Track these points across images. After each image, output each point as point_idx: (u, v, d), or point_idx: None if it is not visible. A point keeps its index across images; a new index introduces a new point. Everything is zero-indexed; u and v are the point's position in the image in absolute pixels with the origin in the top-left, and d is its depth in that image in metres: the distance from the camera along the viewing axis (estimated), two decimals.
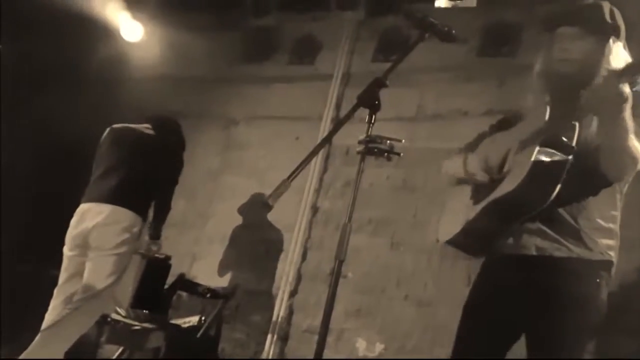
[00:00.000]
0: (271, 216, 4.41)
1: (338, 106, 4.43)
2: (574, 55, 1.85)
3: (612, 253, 1.84)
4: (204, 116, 4.88)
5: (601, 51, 1.84)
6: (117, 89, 4.85)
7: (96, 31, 4.57)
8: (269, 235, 4.41)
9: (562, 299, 1.77)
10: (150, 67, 4.73)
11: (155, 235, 3.62)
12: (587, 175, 1.76)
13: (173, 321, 3.69)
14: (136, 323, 3.47)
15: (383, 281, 3.92)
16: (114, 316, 3.55)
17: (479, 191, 1.91)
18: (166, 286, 3.81)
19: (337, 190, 4.28)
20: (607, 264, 1.83)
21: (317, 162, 4.34)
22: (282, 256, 4.30)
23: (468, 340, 1.94)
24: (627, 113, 1.63)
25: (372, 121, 1.82)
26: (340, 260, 1.81)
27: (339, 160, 4.31)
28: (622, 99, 1.58)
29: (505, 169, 1.83)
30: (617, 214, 1.87)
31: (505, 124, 2.05)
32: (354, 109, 1.77)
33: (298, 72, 4.68)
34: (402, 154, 1.89)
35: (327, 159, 4.38)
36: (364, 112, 1.85)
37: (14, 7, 4.10)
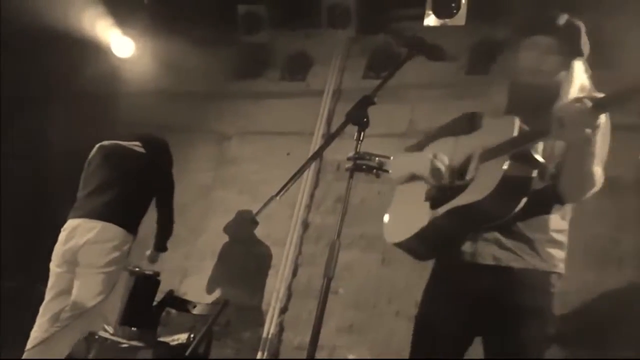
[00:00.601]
0: (262, 232, 4.40)
1: (329, 122, 4.45)
2: (546, 66, 1.86)
3: (562, 265, 1.88)
4: (196, 131, 4.89)
5: (570, 69, 1.86)
6: (109, 105, 4.86)
7: (87, 48, 4.58)
8: (259, 251, 4.39)
9: (519, 308, 1.79)
10: (142, 83, 4.74)
11: (161, 247, 3.66)
12: (546, 191, 1.79)
13: (162, 338, 3.65)
14: (124, 341, 3.44)
15: (375, 297, 3.91)
16: (102, 333, 3.51)
17: (437, 194, 1.89)
18: (155, 303, 3.78)
19: (329, 206, 4.28)
20: (558, 276, 1.87)
21: (308, 177, 4.35)
22: (272, 272, 4.28)
23: (424, 348, 1.95)
24: (597, 139, 1.66)
25: (361, 138, 1.84)
26: (329, 278, 1.80)
27: (331, 176, 4.32)
28: (596, 130, 1.61)
29: (469, 175, 1.82)
30: (567, 226, 1.91)
31: (454, 127, 2.06)
32: (343, 126, 1.78)
33: (290, 88, 4.71)
34: (390, 171, 1.90)
35: (318, 174, 4.39)
36: (355, 129, 1.86)
37: (7, 25, 4.12)
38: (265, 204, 1.60)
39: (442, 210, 1.83)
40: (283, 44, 4.76)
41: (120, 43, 4.76)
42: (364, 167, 1.87)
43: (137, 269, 3.71)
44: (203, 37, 4.71)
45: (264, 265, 4.32)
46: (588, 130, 1.58)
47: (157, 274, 3.72)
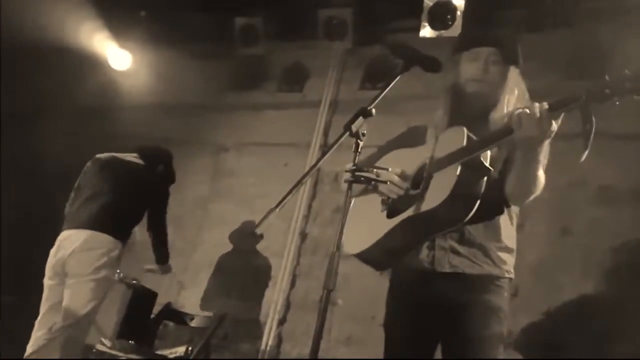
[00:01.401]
0: (260, 243, 4.39)
1: (326, 133, 4.46)
2: (488, 75, 1.95)
3: (512, 270, 1.96)
4: (193, 143, 4.89)
5: (509, 77, 1.95)
6: (106, 119, 4.86)
7: (84, 61, 4.59)
8: (257, 263, 4.38)
9: (477, 311, 1.89)
10: (139, 96, 4.74)
11: (161, 260, 3.63)
12: (493, 196, 1.84)
13: (159, 352, 3.63)
14: (121, 354, 3.42)
15: (373, 308, 3.88)
16: (99, 347, 3.49)
17: (393, 204, 1.94)
18: (152, 316, 3.76)
19: (326, 217, 4.28)
20: (509, 280, 1.96)
21: (305, 188, 4.35)
22: (270, 284, 4.27)
23: (392, 357, 2.02)
24: (545, 147, 1.73)
25: (359, 150, 1.84)
26: (328, 290, 1.79)
27: (328, 187, 4.32)
28: (547, 136, 1.66)
29: (422, 185, 1.87)
30: (515, 232, 1.99)
31: (407, 138, 2.13)
32: (340, 138, 1.78)
33: (287, 100, 4.72)
34: (388, 182, 1.91)
35: (315, 185, 4.39)
36: (352, 140, 1.87)
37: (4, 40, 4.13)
38: (265, 217, 1.60)
39: (398, 219, 1.88)
40: (280, 55, 4.78)
41: (118, 56, 4.77)
42: (362, 178, 1.86)
43: (134, 282, 3.69)
44: (200, 50, 4.74)
45: (263, 277, 4.31)
46: (541, 132, 1.63)
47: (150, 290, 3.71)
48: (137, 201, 3.47)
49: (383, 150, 2.18)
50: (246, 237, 4.34)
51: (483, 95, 1.95)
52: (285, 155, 4.49)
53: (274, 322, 4.12)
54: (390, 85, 1.94)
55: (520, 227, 3.27)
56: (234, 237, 4.46)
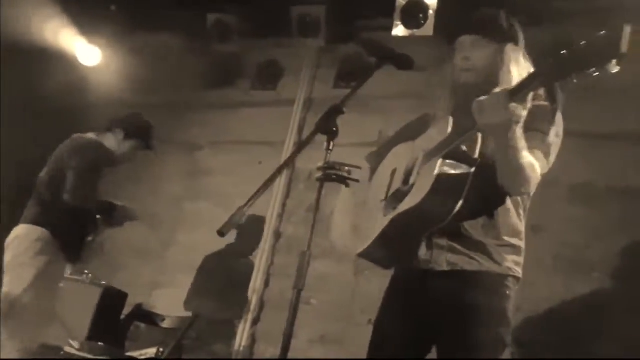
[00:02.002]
0: (235, 243, 4.35)
1: (300, 131, 4.44)
2: (474, 63, 1.89)
3: (518, 269, 1.88)
4: (167, 142, 4.80)
5: (500, 58, 1.87)
6: (76, 116, 4.75)
7: (52, 58, 4.49)
8: (231, 263, 4.33)
9: (474, 311, 1.80)
10: (109, 93, 4.65)
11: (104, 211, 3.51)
12: (489, 187, 1.77)
13: (130, 353, 3.57)
14: (90, 356, 3.35)
15: (347, 307, 3.89)
16: (67, 349, 3.42)
17: (389, 201, 1.90)
18: (123, 317, 3.70)
19: (301, 216, 4.25)
20: (514, 279, 1.86)
21: (280, 187, 4.33)
22: (245, 283, 4.22)
23: (381, 355, 1.95)
24: (518, 133, 1.63)
25: (331, 148, 1.82)
26: (299, 290, 1.77)
27: (303, 185, 4.30)
28: (512, 121, 1.59)
29: (412, 180, 1.83)
30: (522, 230, 1.91)
31: (411, 131, 2.06)
32: (312, 136, 1.77)
33: (261, 98, 4.69)
34: (360, 181, 1.89)
35: (290, 184, 4.36)
36: (325, 138, 1.84)
37: None
38: (233, 216, 1.56)
39: (389, 217, 1.84)
40: (253, 53, 4.74)
41: (87, 52, 4.67)
42: (334, 177, 1.85)
43: (103, 283, 3.63)
44: (172, 46, 4.66)
45: (236, 277, 4.27)
46: (502, 116, 1.56)
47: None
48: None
49: (391, 142, 2.12)
50: (219, 235, 4.28)
51: (474, 84, 1.87)
52: (260, 153, 4.46)
53: (247, 322, 4.08)
54: (363, 83, 1.94)
55: None
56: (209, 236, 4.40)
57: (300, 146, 1.78)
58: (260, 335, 4.07)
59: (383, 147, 2.14)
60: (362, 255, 1.95)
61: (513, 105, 1.55)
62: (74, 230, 3.39)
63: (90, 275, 3.71)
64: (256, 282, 4.17)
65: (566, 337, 2.99)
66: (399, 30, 3.82)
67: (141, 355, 3.55)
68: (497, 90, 1.59)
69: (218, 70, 4.79)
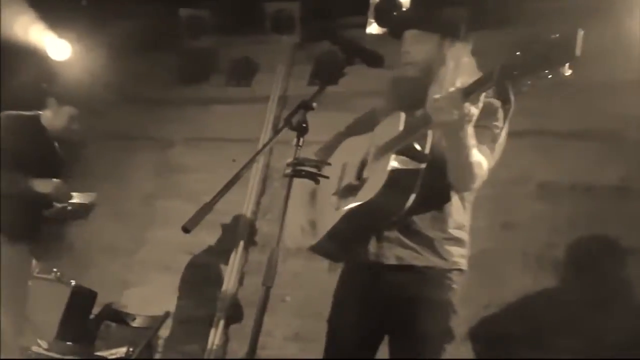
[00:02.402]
0: (207, 240, 4.31)
1: (275, 128, 4.42)
2: (414, 57, 1.94)
3: (463, 261, 1.95)
4: (138, 138, 4.76)
5: (440, 53, 1.92)
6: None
7: (22, 52, 4.40)
8: (204, 261, 4.29)
9: (423, 304, 1.86)
10: (80, 87, 4.57)
11: None
12: (438, 182, 1.83)
13: (99, 353, 3.52)
14: (59, 356, 3.31)
15: (321, 305, 3.86)
16: (35, 349, 3.37)
17: (341, 195, 1.93)
18: (92, 316, 3.65)
19: (276, 213, 4.24)
20: (460, 273, 1.94)
21: (254, 184, 4.30)
22: (218, 281, 4.19)
23: (335, 351, 2.00)
24: (469, 131, 1.68)
25: (300, 144, 1.81)
26: (268, 287, 1.76)
27: (277, 183, 4.28)
28: (465, 120, 1.63)
29: (364, 175, 1.86)
30: (467, 223, 1.98)
31: (360, 125, 2.11)
32: (280, 131, 1.76)
33: (235, 94, 4.66)
34: (329, 177, 1.89)
35: (264, 181, 4.34)
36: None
37: None
38: (198, 212, 1.55)
39: (342, 212, 1.86)
40: (227, 49, 4.71)
41: (56, 46, 4.58)
42: (303, 173, 1.84)
43: (72, 281, 3.58)
44: (144, 41, 4.60)
45: (210, 275, 4.24)
46: (456, 115, 1.60)
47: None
48: None
49: (340, 136, 2.15)
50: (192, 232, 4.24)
51: (415, 78, 1.93)
52: (234, 150, 4.42)
53: (220, 321, 4.05)
54: (333, 80, 1.95)
55: None
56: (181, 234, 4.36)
57: (269, 142, 1.77)
58: (234, 333, 4.05)
59: (332, 142, 2.18)
60: (313, 249, 1.99)
61: (467, 104, 1.59)
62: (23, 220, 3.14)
63: (59, 273, 3.66)
64: (230, 280, 4.14)
65: (534, 332, 3.04)
66: (373, 28, 3.84)
67: (111, 354, 3.51)
68: (451, 89, 1.62)
69: (191, 66, 4.74)
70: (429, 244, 1.89)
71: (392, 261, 1.89)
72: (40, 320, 3.41)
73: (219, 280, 4.19)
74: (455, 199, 1.93)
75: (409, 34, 1.97)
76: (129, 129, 4.66)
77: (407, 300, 1.87)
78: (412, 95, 1.92)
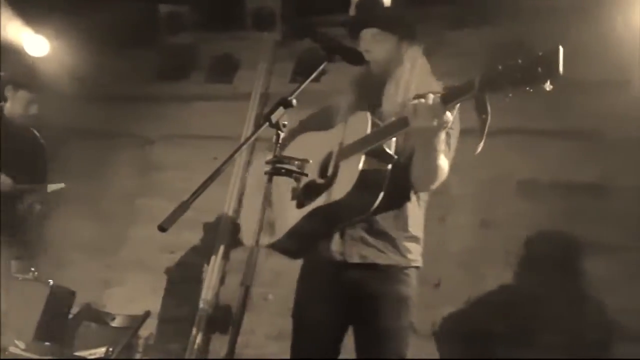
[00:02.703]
0: (189, 239, 4.27)
1: (257, 126, 4.38)
2: (375, 56, 1.99)
3: (420, 259, 2.02)
4: (118, 136, 4.70)
5: (399, 54, 2.00)
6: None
7: None
8: (185, 260, 4.25)
9: (385, 299, 1.93)
10: (58, 85, 4.51)
11: None
12: (399, 182, 1.88)
13: (78, 353, 3.47)
14: (37, 356, 3.24)
15: None
16: (12, 349, 3.30)
17: (302, 193, 1.94)
18: (71, 316, 3.60)
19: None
20: (416, 269, 2.01)
21: (236, 182, 4.27)
22: (200, 280, 4.16)
23: (301, 347, 2.04)
24: (442, 137, 1.76)
25: (279, 141, 1.80)
26: (247, 286, 1.75)
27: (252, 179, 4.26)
28: (442, 127, 1.69)
29: (329, 173, 1.87)
30: (422, 222, 2.05)
31: (315, 122, 2.14)
32: (258, 129, 1.74)
33: (216, 91, 4.62)
34: (309, 175, 1.88)
35: (246, 179, 4.32)
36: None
37: None
38: (175, 211, 1.52)
39: (306, 210, 1.88)
40: (208, 45, 4.67)
41: (34, 42, 4.51)
42: (283, 170, 1.83)
43: (49, 281, 3.52)
44: (123, 37, 4.54)
45: (191, 274, 4.20)
46: (436, 122, 1.65)
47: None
48: None
49: (294, 132, 2.17)
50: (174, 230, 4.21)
51: (374, 77, 1.99)
52: (215, 148, 4.38)
53: (202, 320, 4.02)
54: (312, 77, 1.93)
55: (442, 220, 3.41)
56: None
57: (248, 139, 1.75)
58: (215, 333, 4.02)
59: (284, 137, 2.17)
60: (272, 247, 2.00)
61: (447, 112, 1.64)
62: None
63: (36, 272, 3.60)
64: (211, 279, 4.11)
65: (515, 329, 3.06)
66: None
67: (90, 355, 3.45)
68: (431, 95, 1.66)
69: (171, 63, 4.71)
70: (391, 243, 1.95)
71: (356, 259, 1.93)
72: (17, 321, 3.35)
73: (200, 279, 4.16)
74: (413, 198, 1.99)
75: (369, 33, 2.02)
76: (108, 126, 4.59)
77: (370, 296, 1.92)
78: (370, 91, 1.98)
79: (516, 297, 3.13)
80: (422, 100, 1.66)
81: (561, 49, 1.40)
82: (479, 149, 1.62)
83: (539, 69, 1.43)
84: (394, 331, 1.92)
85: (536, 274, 3.14)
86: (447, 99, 1.64)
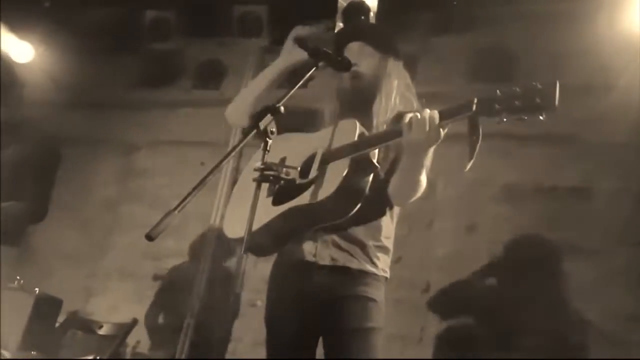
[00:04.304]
0: (175, 246, 4.25)
1: (244, 133, 4.37)
2: (362, 71, 2.02)
3: (388, 271, 2.02)
4: (101, 142, 4.66)
5: (384, 69, 2.05)
6: (6, 114, 4.54)
7: None
8: (172, 267, 4.23)
9: (356, 304, 1.92)
10: (43, 91, 4.47)
11: None
12: (377, 195, 1.90)
13: None
14: None
15: None
16: None
17: (279, 191, 1.94)
18: (58, 324, 3.56)
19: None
20: (386, 280, 2.01)
21: (224, 189, 4.26)
22: (186, 288, 4.14)
23: (275, 349, 2.02)
24: (430, 152, 1.79)
25: (268, 148, 1.81)
26: (236, 294, 1.75)
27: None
28: (433, 142, 1.71)
29: (311, 175, 1.88)
30: (393, 233, 2.06)
31: (295, 122, 2.10)
32: (247, 135, 1.74)
33: (203, 97, 4.59)
34: (297, 181, 1.89)
35: (234, 185, 4.30)
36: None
37: None
38: (162, 219, 1.52)
39: (283, 208, 1.88)
40: (194, 51, 4.65)
41: (19, 48, 4.47)
42: (270, 177, 1.83)
43: (35, 290, 3.49)
44: (109, 43, 4.52)
45: (178, 282, 4.18)
46: (429, 137, 1.68)
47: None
48: None
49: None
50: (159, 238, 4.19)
51: (361, 89, 2.01)
52: (202, 154, 4.36)
53: (189, 328, 4.00)
54: (299, 84, 1.95)
55: (429, 226, 3.44)
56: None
57: (236, 146, 1.75)
58: (203, 340, 3.99)
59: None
60: (240, 240, 1.97)
61: (441, 128, 1.67)
62: None
63: (22, 281, 3.56)
64: (199, 286, 4.09)
65: (500, 332, 3.09)
66: None
67: None
68: (427, 111, 1.69)
69: (157, 69, 4.67)
70: (362, 249, 1.96)
71: (327, 262, 1.94)
72: (3, 330, 3.32)
73: (186, 286, 4.14)
74: (387, 210, 2.01)
75: (357, 46, 2.06)
76: (91, 132, 4.55)
77: (339, 298, 1.92)
78: (356, 103, 2.01)
79: (500, 301, 3.15)
80: (418, 114, 1.69)
81: (557, 83, 1.46)
82: (468, 167, 1.65)
83: (537, 100, 1.49)
84: (363, 332, 1.90)
85: (519, 277, 3.18)
86: (444, 116, 1.67)
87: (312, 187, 1.85)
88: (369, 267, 1.95)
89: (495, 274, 3.24)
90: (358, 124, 1.88)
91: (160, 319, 4.12)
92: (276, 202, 1.93)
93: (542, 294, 3.09)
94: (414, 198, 1.90)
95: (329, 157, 1.88)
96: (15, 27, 4.40)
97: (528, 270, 3.17)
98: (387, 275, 2.01)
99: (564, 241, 3.11)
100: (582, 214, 3.13)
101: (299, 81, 1.96)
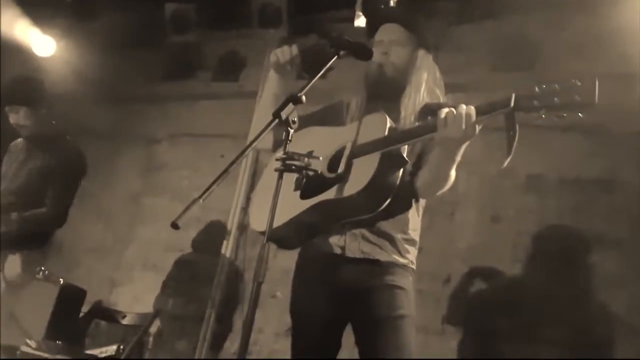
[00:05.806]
0: (196, 237, 4.29)
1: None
2: (393, 60, 2.02)
3: (414, 262, 2.04)
4: (123, 136, 4.72)
5: (415, 60, 2.04)
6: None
7: (6, 48, 4.34)
8: (194, 258, 4.27)
9: (385, 294, 1.94)
10: (65, 84, 4.52)
11: None
12: (404, 188, 1.89)
13: (90, 351, 3.48)
14: (48, 355, 3.25)
15: None
16: (24, 349, 3.31)
17: (307, 185, 1.93)
18: (82, 314, 3.62)
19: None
20: (413, 271, 2.03)
21: (243, 180, 4.28)
22: (208, 279, 4.17)
23: (303, 341, 2.04)
24: (463, 148, 1.77)
25: (289, 138, 1.81)
26: (259, 282, 1.75)
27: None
28: (468, 138, 1.70)
29: (340, 169, 1.86)
30: (419, 227, 2.07)
31: (325, 116, 2.14)
32: (269, 125, 1.75)
33: (222, 90, 4.62)
34: (320, 171, 1.88)
35: (254, 176, 4.33)
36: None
37: None
38: (187, 208, 1.53)
39: (312, 202, 1.88)
40: (214, 44, 4.67)
41: (41, 42, 4.53)
42: (293, 167, 1.83)
43: (60, 280, 3.53)
44: (130, 37, 4.55)
45: (200, 272, 4.22)
46: (465, 133, 1.67)
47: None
48: None
49: (304, 122, 2.15)
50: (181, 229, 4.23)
51: (390, 79, 2.01)
52: (222, 146, 4.39)
53: (212, 318, 4.04)
54: (320, 73, 1.94)
55: (451, 216, 3.41)
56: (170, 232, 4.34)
57: (258, 136, 1.76)
58: (225, 330, 4.03)
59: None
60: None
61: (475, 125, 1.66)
62: None
63: (47, 272, 3.61)
64: (220, 277, 4.12)
65: (524, 324, 3.06)
66: (361, 21, 3.83)
67: (101, 353, 3.47)
68: (463, 106, 1.67)
69: (177, 62, 4.70)
70: (390, 242, 1.96)
71: (357, 254, 1.94)
72: (28, 320, 3.37)
73: (209, 276, 4.18)
74: (413, 203, 2.01)
75: (391, 36, 2.04)
76: (113, 126, 4.61)
77: (368, 288, 1.93)
78: (384, 94, 2.00)
79: (524, 293, 3.13)
80: (454, 110, 1.67)
81: (596, 80, 1.47)
82: (505, 164, 1.63)
83: (577, 97, 1.49)
84: (394, 320, 1.91)
85: (544, 269, 3.14)
86: (481, 113, 1.65)
87: (342, 181, 1.85)
88: (398, 259, 1.97)
89: (518, 265, 3.21)
90: (388, 118, 1.86)
91: (183, 309, 4.17)
92: (304, 195, 1.93)
93: (566, 285, 3.05)
94: (442, 191, 1.90)
95: (358, 151, 1.87)
96: (37, 21, 4.45)
97: (552, 261, 3.13)
98: (414, 266, 2.03)
99: (589, 232, 3.07)
100: (608, 205, 3.08)
101: (320, 70, 1.96)
